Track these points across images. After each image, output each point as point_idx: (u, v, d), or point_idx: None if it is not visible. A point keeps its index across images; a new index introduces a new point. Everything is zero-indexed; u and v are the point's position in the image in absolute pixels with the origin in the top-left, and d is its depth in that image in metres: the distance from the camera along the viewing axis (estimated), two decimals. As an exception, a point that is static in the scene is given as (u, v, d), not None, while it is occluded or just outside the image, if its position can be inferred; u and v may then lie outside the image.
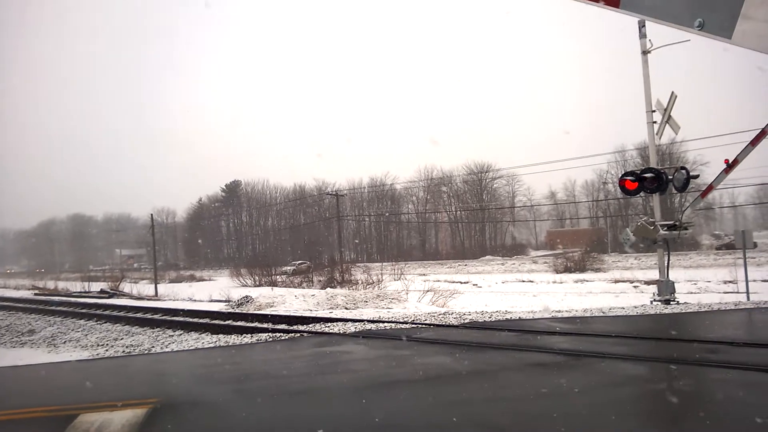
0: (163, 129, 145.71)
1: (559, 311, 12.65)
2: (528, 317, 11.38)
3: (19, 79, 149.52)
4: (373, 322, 11.51)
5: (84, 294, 30.47)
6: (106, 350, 11.30)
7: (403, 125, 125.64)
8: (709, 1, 2.20)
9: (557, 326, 9.80)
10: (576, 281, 33.17)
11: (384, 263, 43.01)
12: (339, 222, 51.69)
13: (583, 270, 39.79)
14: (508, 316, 11.53)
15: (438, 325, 10.62)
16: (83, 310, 19.32)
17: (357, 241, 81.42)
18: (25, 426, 5.08)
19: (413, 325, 10.82)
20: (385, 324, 11.17)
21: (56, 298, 26.80)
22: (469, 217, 78.38)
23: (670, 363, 6.49)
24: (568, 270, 40.29)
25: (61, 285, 39.94)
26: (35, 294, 32.75)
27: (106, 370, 8.56)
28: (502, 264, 52.31)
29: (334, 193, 56.23)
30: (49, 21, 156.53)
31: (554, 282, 33.64)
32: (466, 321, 10.94)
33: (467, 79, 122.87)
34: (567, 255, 45.42)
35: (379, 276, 29.79)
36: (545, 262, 47.01)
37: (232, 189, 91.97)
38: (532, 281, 35.67)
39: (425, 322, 11.24)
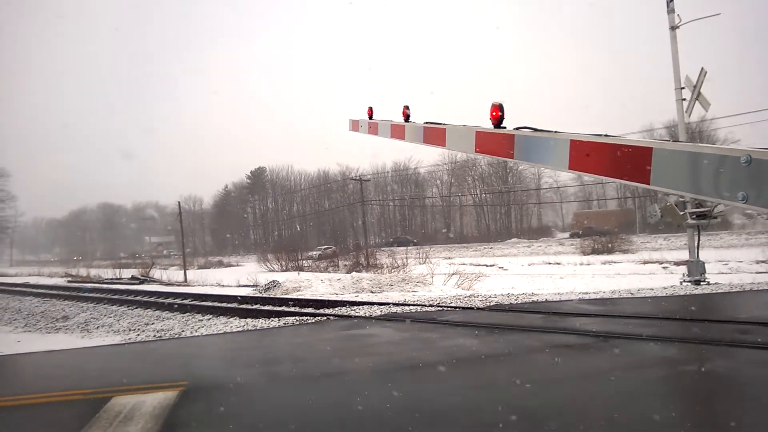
0: (188, 118, 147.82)
1: (586, 293, 12.51)
2: (555, 299, 11.28)
3: (49, 72, 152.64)
4: (398, 305, 11.54)
5: (115, 281, 31.13)
6: (138, 335, 11.55)
7: (426, 108, 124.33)
8: (752, 175, 2.03)
9: (585, 308, 9.69)
10: (604, 263, 32.76)
11: (409, 247, 43.03)
12: (363, 207, 51.83)
13: (611, 251, 39.21)
14: (535, 299, 11.44)
15: (464, 308, 10.60)
16: (115, 297, 19.72)
17: (387, 230, 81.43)
18: (62, 408, 5.23)
19: (439, 308, 10.81)
20: (411, 307, 11.18)
21: (88, 285, 27.46)
22: (494, 200, 77.75)
23: (701, 344, 6.37)
24: (595, 252, 39.76)
25: (93, 272, 40.85)
26: (68, 281, 33.49)
27: (137, 354, 8.75)
28: (528, 246, 51.87)
29: (358, 178, 56.22)
30: (74, 14, 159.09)
31: (581, 264, 33.26)
32: (491, 303, 10.90)
33: (490, 58, 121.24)
34: (594, 236, 44.75)
35: (404, 260, 29.78)
36: (572, 244, 46.49)
37: (257, 176, 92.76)
38: (558, 263, 35.34)
39: (451, 305, 11.22)
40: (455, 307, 10.80)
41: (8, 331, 14.18)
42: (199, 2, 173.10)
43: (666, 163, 2.54)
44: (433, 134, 5.02)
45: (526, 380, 5.26)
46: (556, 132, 3.35)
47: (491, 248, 53.58)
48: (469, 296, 13.04)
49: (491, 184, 79.30)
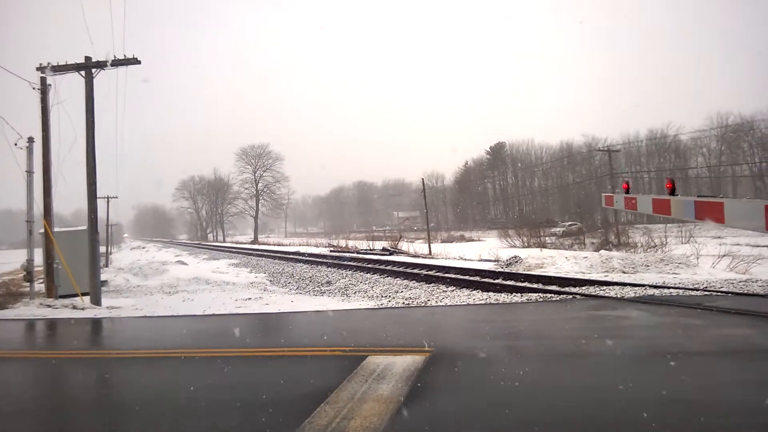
0: (431, 97, 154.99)
1: None
2: None
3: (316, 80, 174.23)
4: (655, 287, 10.46)
5: (369, 251, 34.07)
6: (389, 301, 12.54)
7: (686, 66, 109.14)
8: None
9: None
10: None
11: (668, 224, 38.56)
12: (612, 180, 47.95)
13: None
14: (840, 288, 9.30)
15: (738, 294, 9.19)
16: (369, 266, 21.71)
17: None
18: (327, 361, 5.94)
19: (705, 293, 9.52)
20: (671, 290, 10.07)
21: (347, 255, 30.59)
22: (779, 169, 64.81)
23: None
24: None
25: (351, 243, 45.56)
26: (330, 251, 37.81)
27: (389, 318, 9.47)
28: (829, 225, 42.16)
29: (605, 149, 52.13)
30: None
31: None
32: (776, 290, 9.19)
33: None
34: None
35: (662, 239, 26.80)
36: None
37: (497, 151, 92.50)
38: None
39: (721, 289, 9.78)
40: (726, 292, 9.43)
41: (284, 293, 16.67)
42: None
43: None
44: (708, 209, 4.58)
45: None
46: None
47: (775, 226, 44.88)
48: (745, 281, 11.17)
49: (776, 150, 66.15)
